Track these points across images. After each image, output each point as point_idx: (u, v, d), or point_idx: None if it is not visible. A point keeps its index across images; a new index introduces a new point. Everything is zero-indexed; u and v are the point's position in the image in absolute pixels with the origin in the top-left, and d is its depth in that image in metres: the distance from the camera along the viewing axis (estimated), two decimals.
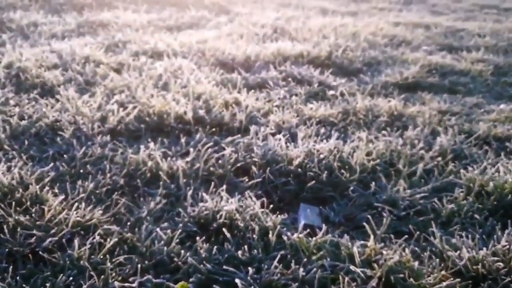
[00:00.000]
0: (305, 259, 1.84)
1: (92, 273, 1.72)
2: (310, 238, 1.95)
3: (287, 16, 6.24)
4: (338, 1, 8.04)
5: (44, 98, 3.21)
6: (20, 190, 2.13)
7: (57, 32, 4.99)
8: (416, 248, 1.95)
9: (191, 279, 1.74)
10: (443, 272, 1.81)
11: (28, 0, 6.32)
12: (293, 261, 1.82)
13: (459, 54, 5.04)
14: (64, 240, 1.87)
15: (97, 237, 1.88)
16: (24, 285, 1.67)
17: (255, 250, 1.87)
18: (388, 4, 8.03)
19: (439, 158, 2.67)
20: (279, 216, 2.08)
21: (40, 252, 1.81)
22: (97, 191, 2.22)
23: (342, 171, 2.46)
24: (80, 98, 3.17)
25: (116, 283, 1.70)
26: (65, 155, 2.53)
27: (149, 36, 4.98)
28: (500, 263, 1.84)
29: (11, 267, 1.74)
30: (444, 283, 1.75)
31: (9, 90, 3.33)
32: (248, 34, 5.14)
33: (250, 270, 1.75)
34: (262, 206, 2.15)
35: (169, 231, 1.94)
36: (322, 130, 2.97)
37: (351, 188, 2.37)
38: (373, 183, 2.40)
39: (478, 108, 3.60)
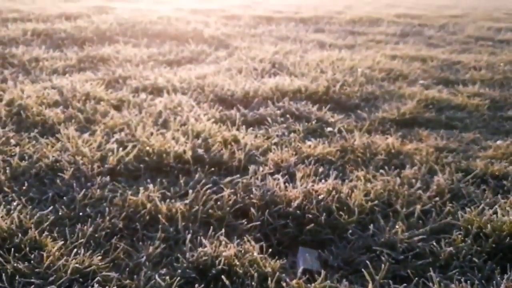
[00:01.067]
0: None
1: None
2: (309, 284, 1.95)
3: (285, 50, 6.33)
4: (335, 34, 8.16)
5: (45, 137, 3.23)
6: (19, 235, 2.14)
7: (58, 68, 5.05)
8: None
9: None
10: None
11: (30, 35, 6.42)
12: None
13: (455, 88, 5.09)
14: None
15: (96, 285, 1.88)
16: None
17: None
18: (384, 37, 8.15)
19: (437, 198, 2.68)
20: (278, 261, 2.09)
21: None
22: (96, 235, 2.22)
23: (341, 212, 2.48)
24: (80, 137, 3.20)
25: None
26: (64, 197, 2.54)
27: (149, 71, 5.04)
28: None
29: None
30: None
31: (10, 129, 3.36)
32: (247, 69, 5.20)
33: None
34: (261, 250, 2.15)
35: (167, 277, 1.95)
36: (321, 169, 2.98)
37: (350, 230, 2.37)
38: (372, 224, 2.41)
39: (475, 144, 3.63)
